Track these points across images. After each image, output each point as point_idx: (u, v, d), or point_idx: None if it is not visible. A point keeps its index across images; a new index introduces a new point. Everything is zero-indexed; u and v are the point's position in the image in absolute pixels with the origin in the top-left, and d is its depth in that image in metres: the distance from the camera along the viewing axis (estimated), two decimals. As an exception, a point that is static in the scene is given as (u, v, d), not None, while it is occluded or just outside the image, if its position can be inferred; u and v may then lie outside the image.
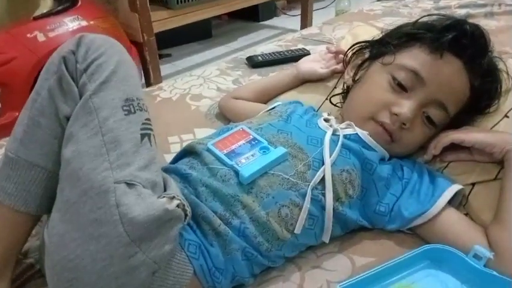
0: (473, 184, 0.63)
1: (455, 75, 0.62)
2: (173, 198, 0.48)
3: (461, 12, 1.35)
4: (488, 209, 0.59)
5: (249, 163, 0.57)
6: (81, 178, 0.45)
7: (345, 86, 0.76)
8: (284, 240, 0.55)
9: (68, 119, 0.49)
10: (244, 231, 0.53)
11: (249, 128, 0.64)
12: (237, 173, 0.56)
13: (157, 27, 1.68)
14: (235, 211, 0.54)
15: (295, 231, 0.55)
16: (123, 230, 0.43)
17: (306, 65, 0.86)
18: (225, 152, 0.59)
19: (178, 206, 0.48)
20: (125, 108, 0.49)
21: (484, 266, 0.52)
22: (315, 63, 0.86)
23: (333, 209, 0.57)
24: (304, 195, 0.56)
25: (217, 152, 0.59)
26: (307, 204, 0.55)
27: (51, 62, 0.51)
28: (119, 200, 0.43)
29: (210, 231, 0.54)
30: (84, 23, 1.41)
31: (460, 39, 0.61)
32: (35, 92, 0.51)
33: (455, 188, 0.60)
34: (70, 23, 1.38)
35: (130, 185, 0.45)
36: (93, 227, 0.44)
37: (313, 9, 2.45)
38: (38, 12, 1.37)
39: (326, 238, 0.59)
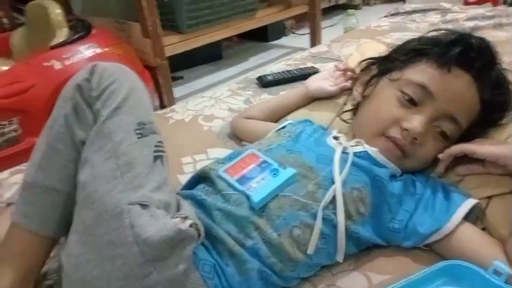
0: (489, 197, 0.62)
1: (464, 88, 0.62)
2: (186, 218, 0.49)
3: (469, 24, 1.35)
4: (506, 222, 0.58)
5: (260, 187, 0.57)
6: (96, 201, 0.46)
7: (354, 103, 0.77)
8: (297, 260, 0.55)
9: (83, 143, 0.51)
10: (258, 252, 0.53)
11: (259, 150, 0.65)
12: (248, 197, 0.57)
13: (169, 51, 1.73)
14: (248, 232, 0.54)
15: (308, 252, 0.55)
16: (137, 251, 0.44)
17: (314, 83, 0.87)
18: (236, 178, 0.60)
19: (191, 225, 0.48)
20: (138, 131, 0.50)
21: (505, 282, 0.50)
22: (323, 81, 0.87)
23: (345, 227, 0.56)
24: (315, 216, 0.56)
25: (228, 178, 0.60)
26: (319, 224, 0.55)
27: (66, 89, 0.53)
28: (133, 221, 0.44)
29: (225, 251, 0.54)
30: (99, 50, 1.46)
31: (466, 53, 0.62)
32: (51, 119, 0.53)
33: (471, 202, 0.59)
34: (85, 51, 1.43)
35: (143, 206, 0.46)
36: (108, 249, 0.45)
37: (322, 27, 2.48)
38: (54, 42, 1.43)
39: (340, 258, 0.58)
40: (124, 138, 0.49)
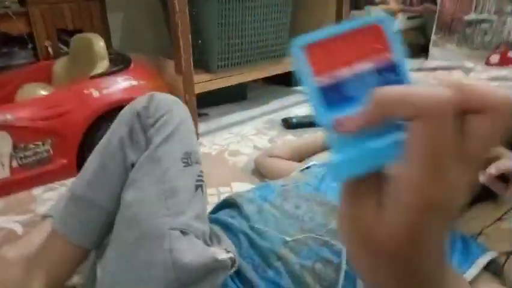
0: (508, 253, 0.62)
1: None
2: (228, 252, 0.51)
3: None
4: (526, 279, 0.58)
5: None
6: (140, 222, 0.49)
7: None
8: (317, 294, 0.56)
9: (133, 166, 0.54)
10: (280, 282, 0.55)
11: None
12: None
13: (198, 89, 1.81)
14: (271, 262, 0.56)
15: None
16: (174, 274, 0.46)
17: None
18: None
19: (230, 258, 0.51)
20: (184, 160, 0.54)
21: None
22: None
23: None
24: (337, 253, 0.57)
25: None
26: (343, 265, 0.56)
27: (124, 114, 0.58)
28: (173, 246, 0.47)
29: (247, 283, 0.55)
30: (134, 83, 1.55)
31: None
32: (106, 139, 0.57)
33: (489, 255, 0.60)
34: (122, 82, 1.52)
35: (184, 232, 0.49)
36: (145, 269, 0.47)
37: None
38: (95, 72, 1.52)
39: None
40: (171, 165, 0.53)
